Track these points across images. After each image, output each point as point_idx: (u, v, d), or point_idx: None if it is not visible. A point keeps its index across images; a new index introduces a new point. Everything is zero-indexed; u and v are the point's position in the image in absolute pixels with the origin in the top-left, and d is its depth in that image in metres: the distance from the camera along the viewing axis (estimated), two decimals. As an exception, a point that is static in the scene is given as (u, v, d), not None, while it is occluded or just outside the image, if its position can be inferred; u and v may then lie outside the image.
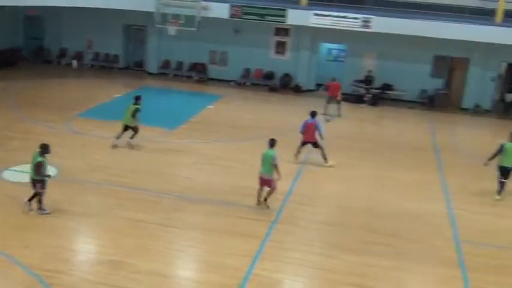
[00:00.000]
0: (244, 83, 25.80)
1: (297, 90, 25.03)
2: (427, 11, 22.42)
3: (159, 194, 12.81)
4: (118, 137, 15.61)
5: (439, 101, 23.97)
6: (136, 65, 27.55)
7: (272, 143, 12.27)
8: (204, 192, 13.14)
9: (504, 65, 25.34)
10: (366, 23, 22.16)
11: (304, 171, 14.88)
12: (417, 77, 24.20)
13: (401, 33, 22.01)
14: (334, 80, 21.59)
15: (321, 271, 10.13)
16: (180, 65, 26.66)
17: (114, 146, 15.59)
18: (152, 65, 26.78)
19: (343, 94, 21.75)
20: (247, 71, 25.93)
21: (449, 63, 24.43)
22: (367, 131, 19.74)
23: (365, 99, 23.50)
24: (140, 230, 11.07)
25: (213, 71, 26.31)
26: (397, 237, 11.61)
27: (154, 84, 24.85)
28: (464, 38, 21.66)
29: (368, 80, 24.12)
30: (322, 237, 11.56)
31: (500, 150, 13.66)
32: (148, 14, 23.73)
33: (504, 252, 11.33)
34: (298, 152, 15.46)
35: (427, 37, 21.93)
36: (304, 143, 15.39)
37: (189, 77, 26.27)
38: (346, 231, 11.74)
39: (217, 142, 17.04)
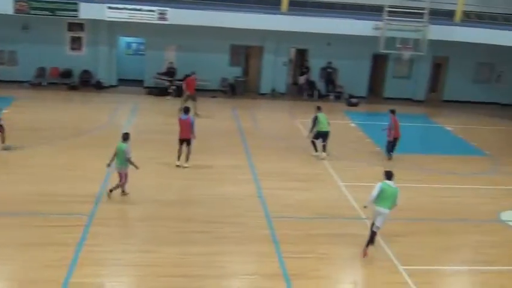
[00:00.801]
0: (40, 83, 24.09)
1: (99, 86, 24.18)
2: (220, 2, 23.27)
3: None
4: None
5: (239, 88, 25.21)
6: None
7: (125, 136, 12.53)
8: (8, 205, 12.07)
9: (293, 51, 27.59)
10: (162, 15, 22.22)
11: (113, 171, 14.44)
12: (217, 67, 25.06)
13: (197, 24, 22.51)
14: (192, 74, 21.32)
15: (144, 267, 10.03)
16: (-39, 67, 23.92)
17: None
18: None
19: (146, 88, 21.51)
20: (42, 70, 24.24)
21: (246, 52, 25.77)
22: (174, 122, 19.89)
23: (170, 91, 23.64)
24: None
25: (2, 72, 24.08)
26: (213, 222, 12.01)
27: None
28: (256, 27, 22.96)
29: (170, 72, 24.29)
30: (139, 233, 11.46)
31: (315, 121, 16.55)
32: None
33: (307, 222, 12.44)
34: (179, 152, 15.13)
35: (223, 27, 22.79)
36: (181, 141, 15.09)
37: (-26, 80, 23.70)
38: (162, 224, 11.78)
39: (16, 148, 15.70)
